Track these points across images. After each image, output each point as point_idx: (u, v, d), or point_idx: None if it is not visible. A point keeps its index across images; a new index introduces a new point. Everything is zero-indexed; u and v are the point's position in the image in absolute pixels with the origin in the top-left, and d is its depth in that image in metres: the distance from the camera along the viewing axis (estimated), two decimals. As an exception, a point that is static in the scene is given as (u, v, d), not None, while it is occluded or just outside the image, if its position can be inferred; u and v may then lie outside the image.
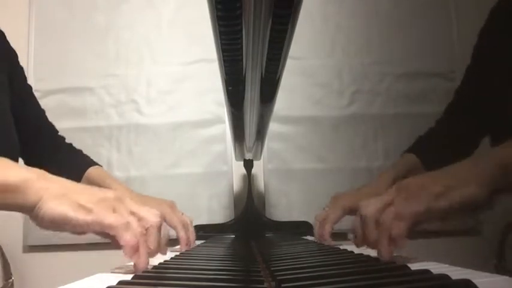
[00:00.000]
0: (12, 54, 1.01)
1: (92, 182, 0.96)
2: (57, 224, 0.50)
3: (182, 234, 0.88)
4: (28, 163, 0.95)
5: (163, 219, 0.80)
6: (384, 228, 0.53)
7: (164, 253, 0.59)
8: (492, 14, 0.96)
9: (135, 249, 0.50)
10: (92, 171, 1.01)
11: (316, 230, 0.91)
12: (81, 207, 0.50)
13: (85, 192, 0.53)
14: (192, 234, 0.91)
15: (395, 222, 0.53)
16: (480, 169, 0.54)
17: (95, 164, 1.04)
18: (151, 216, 0.55)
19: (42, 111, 1.06)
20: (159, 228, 0.55)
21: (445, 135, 1.01)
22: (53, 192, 0.51)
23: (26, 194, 0.51)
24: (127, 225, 0.50)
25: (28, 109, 1.00)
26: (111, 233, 0.50)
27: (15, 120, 0.90)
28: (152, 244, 0.53)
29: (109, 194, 0.54)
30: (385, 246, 0.53)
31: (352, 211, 0.85)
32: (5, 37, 1.00)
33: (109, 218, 0.50)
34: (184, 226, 0.89)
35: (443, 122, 1.05)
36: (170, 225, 0.89)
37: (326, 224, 0.86)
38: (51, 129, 1.08)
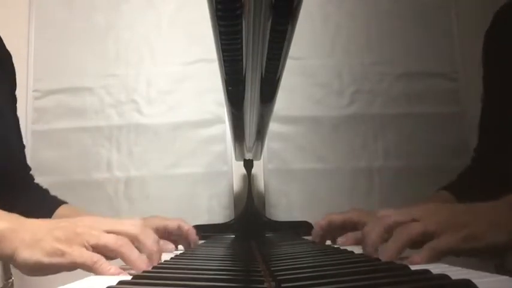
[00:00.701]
0: (14, 77, 1.01)
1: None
2: (35, 272, 0.52)
3: (187, 226, 0.90)
4: None
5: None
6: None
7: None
8: (496, 17, 0.95)
9: (120, 271, 0.51)
10: (62, 209, 1.00)
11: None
12: (55, 251, 0.51)
13: (56, 233, 0.53)
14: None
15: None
16: (509, 215, 0.54)
17: (63, 202, 1.03)
18: (128, 227, 0.56)
19: (24, 147, 1.05)
20: (141, 234, 0.56)
21: (483, 172, 0.95)
22: (26, 242, 0.52)
23: (0, 245, 0.52)
24: (98, 261, 0.51)
25: (12, 144, 0.99)
26: (88, 270, 0.51)
27: None
28: (146, 251, 0.55)
29: (79, 224, 0.55)
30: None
31: (350, 226, 0.83)
32: (11, 58, 0.99)
33: (80, 258, 0.51)
34: (154, 242, 0.89)
35: (477, 161, 1.00)
36: (172, 227, 0.90)
37: (323, 218, 0.85)
38: (27, 166, 1.08)
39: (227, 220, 1.39)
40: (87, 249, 0.53)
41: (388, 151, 1.52)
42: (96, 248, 0.53)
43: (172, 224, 0.90)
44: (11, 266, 1.43)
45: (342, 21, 1.59)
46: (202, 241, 1.12)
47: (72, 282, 0.43)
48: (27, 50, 1.57)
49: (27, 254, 0.52)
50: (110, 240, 0.54)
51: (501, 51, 0.92)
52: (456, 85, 1.55)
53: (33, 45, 1.58)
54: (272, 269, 0.46)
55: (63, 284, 0.40)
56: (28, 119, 1.53)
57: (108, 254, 0.54)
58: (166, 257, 0.64)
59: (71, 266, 0.52)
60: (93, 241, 0.53)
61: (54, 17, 1.60)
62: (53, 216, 0.97)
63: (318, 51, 1.58)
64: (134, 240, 0.56)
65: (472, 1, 1.60)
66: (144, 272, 0.49)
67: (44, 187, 1.09)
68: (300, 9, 0.45)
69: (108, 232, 0.55)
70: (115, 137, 1.54)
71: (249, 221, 1.31)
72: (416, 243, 0.55)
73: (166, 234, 0.89)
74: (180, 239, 0.92)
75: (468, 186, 0.94)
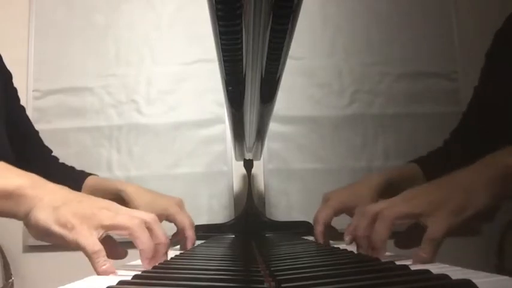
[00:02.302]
0: (7, 76, 1.01)
1: (95, 190, 0.96)
2: (41, 235, 0.53)
3: (190, 233, 0.89)
4: None
5: (172, 217, 0.84)
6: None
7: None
8: (497, 37, 0.96)
9: (112, 270, 0.52)
10: (91, 180, 1.00)
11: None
12: (67, 223, 0.52)
13: (74, 206, 0.54)
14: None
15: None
16: (485, 178, 0.55)
17: (90, 174, 1.03)
18: (144, 215, 0.56)
19: (37, 133, 1.05)
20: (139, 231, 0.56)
21: (454, 153, 0.98)
22: (45, 203, 0.53)
23: (18, 202, 0.53)
24: (99, 252, 0.51)
25: (22, 131, 1.00)
26: (86, 256, 0.52)
27: (9, 142, 0.89)
28: (155, 240, 0.55)
29: (97, 205, 0.55)
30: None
31: (342, 210, 0.86)
32: (1, 58, 0.99)
33: (85, 241, 0.51)
34: (192, 226, 0.90)
35: (451, 142, 1.03)
36: (178, 224, 0.89)
37: (317, 224, 0.85)
38: (46, 150, 1.08)
39: (227, 220, 1.38)
40: (97, 234, 0.53)
41: (388, 151, 1.52)
42: (110, 228, 0.54)
43: (180, 222, 0.89)
44: (11, 266, 1.43)
45: (342, 21, 1.59)
46: (202, 241, 1.12)
47: (72, 282, 0.43)
48: (27, 49, 1.57)
49: (42, 216, 0.52)
50: (124, 219, 0.54)
51: (497, 69, 0.94)
52: (456, 85, 1.55)
53: (33, 45, 1.58)
54: (272, 269, 0.46)
55: (63, 284, 0.40)
56: (28, 119, 1.53)
57: (122, 233, 0.54)
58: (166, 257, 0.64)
59: (74, 245, 0.52)
60: (107, 222, 0.53)
61: (54, 17, 1.60)
62: (83, 186, 0.97)
63: (318, 51, 1.58)
64: (147, 226, 0.56)
65: (471, 1, 1.60)
66: (144, 272, 0.49)
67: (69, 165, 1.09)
68: (300, 9, 0.45)
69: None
70: (115, 137, 1.54)
71: (249, 221, 1.31)
72: (409, 235, 0.57)
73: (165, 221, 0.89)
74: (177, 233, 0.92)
75: (435, 163, 0.97)
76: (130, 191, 0.91)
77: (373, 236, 0.57)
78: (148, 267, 0.53)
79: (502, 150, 0.59)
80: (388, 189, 0.88)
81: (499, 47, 0.95)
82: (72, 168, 1.06)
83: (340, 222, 0.87)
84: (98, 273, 0.51)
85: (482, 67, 0.99)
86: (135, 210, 0.59)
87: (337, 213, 0.86)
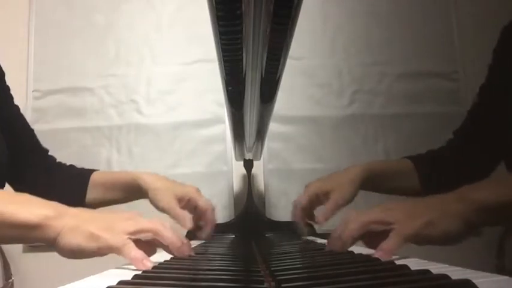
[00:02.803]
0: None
1: (100, 184, 0.96)
2: (75, 254, 0.56)
3: (212, 216, 0.91)
4: (19, 184, 0.93)
5: (194, 200, 0.89)
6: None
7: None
8: (503, 34, 0.95)
9: (143, 260, 0.54)
10: (97, 175, 0.99)
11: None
12: (92, 236, 0.56)
13: (97, 221, 0.58)
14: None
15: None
16: (460, 208, 0.59)
17: (93, 170, 1.02)
18: (161, 222, 0.60)
19: (32, 131, 1.04)
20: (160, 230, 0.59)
21: (453, 157, 0.98)
22: (68, 227, 0.57)
23: (45, 231, 0.57)
24: (126, 244, 0.55)
25: (18, 129, 0.98)
26: (118, 254, 0.55)
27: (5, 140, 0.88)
28: (166, 240, 0.58)
29: (118, 216, 0.60)
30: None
31: (319, 197, 0.89)
32: None
33: (112, 240, 0.55)
34: (213, 209, 0.92)
35: (454, 143, 1.01)
36: (200, 206, 0.90)
37: (296, 208, 0.91)
38: (43, 148, 1.07)
39: (227, 220, 1.38)
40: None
41: (388, 151, 1.52)
42: (135, 233, 0.57)
43: (203, 204, 0.90)
44: (11, 266, 1.43)
45: (342, 21, 1.59)
46: (202, 241, 1.12)
47: (72, 282, 0.43)
48: (27, 49, 1.57)
49: (69, 238, 0.56)
50: (145, 223, 0.58)
51: (505, 67, 0.93)
52: (456, 85, 1.55)
53: (33, 45, 1.58)
54: (272, 269, 0.46)
55: (63, 284, 0.40)
56: (28, 119, 1.52)
57: (146, 236, 0.58)
58: (166, 257, 0.64)
59: (105, 250, 0.55)
60: (131, 228, 0.57)
61: (54, 17, 1.60)
62: (90, 182, 0.97)
63: (318, 51, 1.58)
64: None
65: (471, 1, 1.60)
66: (144, 272, 0.49)
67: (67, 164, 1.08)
68: (300, 9, 0.45)
69: None
70: (115, 137, 1.54)
71: (249, 221, 1.30)
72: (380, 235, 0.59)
73: (188, 207, 0.90)
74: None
75: (432, 162, 0.97)
76: (147, 178, 0.91)
77: (344, 231, 0.61)
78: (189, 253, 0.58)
79: (480, 183, 0.64)
80: (372, 181, 0.91)
81: (506, 44, 0.94)
82: (72, 165, 1.06)
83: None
84: (131, 262, 0.54)
85: (490, 64, 0.98)
86: (153, 219, 0.62)
87: (311, 196, 0.90)
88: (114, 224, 0.57)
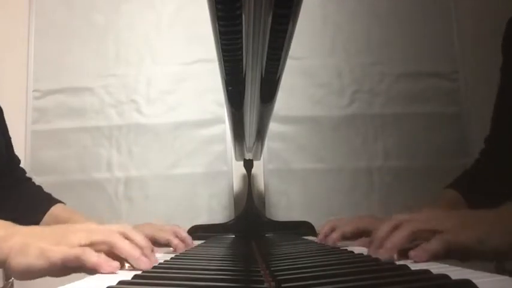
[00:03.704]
0: None
1: (58, 219, 0.95)
2: (26, 275, 0.52)
3: (176, 241, 0.89)
4: None
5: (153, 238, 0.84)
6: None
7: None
8: (510, 24, 0.94)
9: (108, 262, 0.51)
10: (56, 208, 0.99)
11: (322, 230, 0.89)
12: (42, 252, 0.51)
13: (46, 236, 0.54)
14: (186, 237, 0.92)
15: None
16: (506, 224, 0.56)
17: (58, 201, 1.02)
18: (117, 227, 0.57)
19: (10, 139, 1.04)
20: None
21: (489, 170, 0.94)
22: (16, 248, 0.52)
23: None
24: (82, 250, 0.51)
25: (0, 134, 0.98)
26: (77, 264, 0.51)
27: None
28: (122, 253, 0.54)
29: (69, 229, 0.56)
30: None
31: (362, 234, 0.84)
32: None
33: (68, 252, 0.51)
34: (176, 233, 0.90)
35: (486, 155, 0.99)
36: (162, 242, 0.89)
37: (336, 232, 0.85)
38: (16, 159, 1.07)
39: (227, 220, 1.38)
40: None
41: (388, 151, 1.52)
42: (89, 247, 0.53)
43: (161, 237, 0.89)
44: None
45: (342, 21, 1.59)
46: (202, 241, 1.12)
47: (72, 282, 0.43)
48: (27, 49, 1.57)
49: (18, 259, 0.52)
50: (99, 234, 0.55)
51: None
52: (456, 85, 1.55)
53: (33, 45, 1.58)
54: (272, 269, 0.46)
55: (63, 284, 0.40)
56: (28, 119, 1.53)
57: (102, 248, 0.54)
58: (166, 257, 0.64)
59: (58, 264, 0.51)
60: (83, 241, 0.53)
61: (54, 17, 1.60)
62: (46, 215, 0.96)
63: (318, 51, 1.58)
64: (125, 237, 0.56)
65: (471, 1, 1.60)
66: (144, 272, 0.49)
67: (36, 184, 1.08)
68: (300, 9, 0.45)
69: None
70: (115, 137, 1.54)
71: (249, 221, 1.31)
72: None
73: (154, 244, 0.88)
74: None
75: (474, 182, 0.94)
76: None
77: (390, 238, 0.57)
78: (148, 267, 0.53)
79: None
80: None
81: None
82: (40, 187, 1.05)
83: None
84: (96, 269, 0.51)
85: (500, 67, 0.96)
86: (108, 225, 0.58)
87: (356, 234, 0.85)
88: (65, 237, 0.53)
